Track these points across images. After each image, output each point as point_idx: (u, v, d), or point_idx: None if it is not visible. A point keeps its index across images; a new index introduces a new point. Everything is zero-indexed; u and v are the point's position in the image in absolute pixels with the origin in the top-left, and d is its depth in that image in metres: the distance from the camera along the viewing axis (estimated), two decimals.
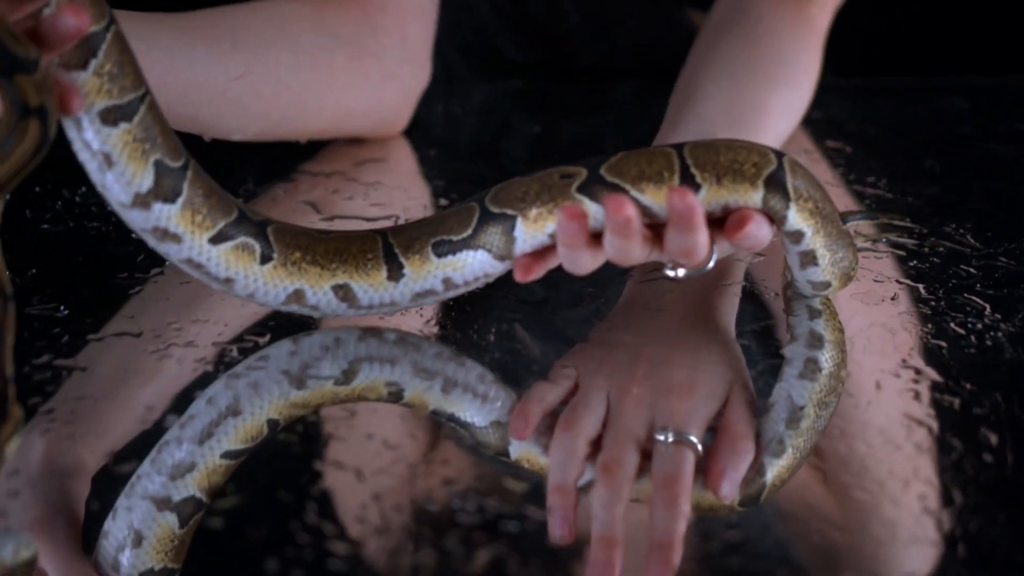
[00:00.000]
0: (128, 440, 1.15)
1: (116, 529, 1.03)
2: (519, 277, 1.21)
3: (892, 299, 1.33)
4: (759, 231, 1.18)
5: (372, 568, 0.95)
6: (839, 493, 1.05)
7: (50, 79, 1.00)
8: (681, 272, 1.22)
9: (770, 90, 1.54)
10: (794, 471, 1.06)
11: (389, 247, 1.22)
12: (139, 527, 1.03)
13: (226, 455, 1.12)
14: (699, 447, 1.08)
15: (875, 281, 1.37)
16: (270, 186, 1.66)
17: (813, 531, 1.02)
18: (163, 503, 1.06)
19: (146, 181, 1.15)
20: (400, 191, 1.69)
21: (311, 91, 1.64)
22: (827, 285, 1.27)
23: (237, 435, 1.15)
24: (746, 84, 1.54)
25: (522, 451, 1.13)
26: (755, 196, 1.19)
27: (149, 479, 1.09)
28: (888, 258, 1.44)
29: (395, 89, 1.75)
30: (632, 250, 1.17)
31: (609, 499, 1.03)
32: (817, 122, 1.81)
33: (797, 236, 1.22)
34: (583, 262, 1.19)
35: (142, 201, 1.16)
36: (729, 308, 1.32)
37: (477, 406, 1.19)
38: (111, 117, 1.13)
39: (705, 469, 1.05)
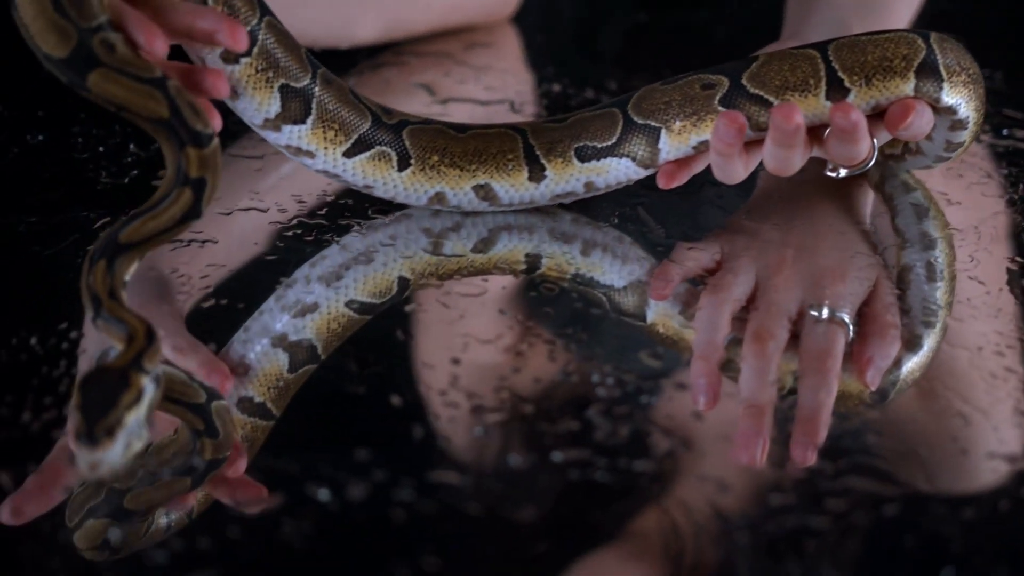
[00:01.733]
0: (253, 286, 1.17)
1: (227, 361, 1.04)
2: (663, 184, 1.21)
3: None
4: (921, 119, 1.16)
5: (505, 436, 0.96)
6: (937, 399, 1.04)
7: (215, 155, 1.02)
8: (843, 172, 1.22)
9: None
10: (924, 370, 1.05)
11: (530, 148, 1.22)
12: (250, 359, 1.05)
13: (351, 304, 1.13)
14: (851, 329, 1.07)
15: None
16: (381, 68, 1.66)
17: (907, 436, 1.01)
18: (278, 340, 1.08)
19: (273, 107, 1.15)
20: (510, 76, 1.68)
21: None
22: (963, 145, 1.25)
23: (366, 285, 1.15)
24: None
25: (659, 314, 1.13)
26: (907, 88, 1.16)
27: (271, 315, 1.11)
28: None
29: None
30: (794, 159, 1.16)
31: (758, 368, 1.02)
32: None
33: (951, 111, 1.19)
34: (735, 171, 1.18)
35: (272, 125, 1.17)
36: (864, 200, 1.31)
37: (616, 268, 1.20)
38: (231, 56, 1.13)
39: (853, 353, 1.05)
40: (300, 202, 1.29)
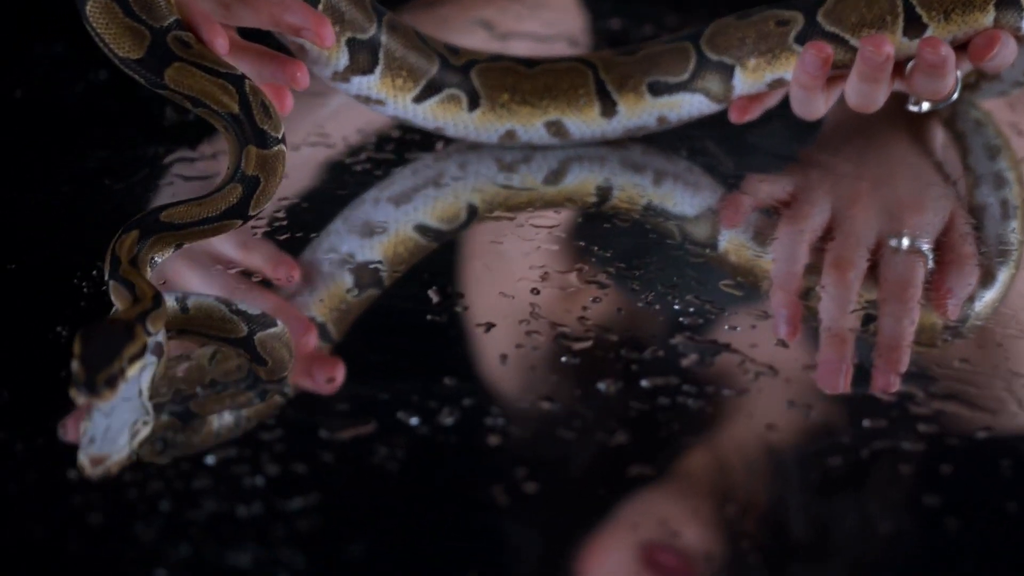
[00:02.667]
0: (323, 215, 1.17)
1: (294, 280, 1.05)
2: (735, 118, 1.21)
3: None
4: (1006, 50, 1.14)
5: (592, 363, 0.96)
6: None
7: (276, 159, 1.01)
8: (926, 106, 1.21)
9: None
10: (995, 307, 1.05)
11: (601, 83, 1.21)
12: (315, 280, 1.05)
13: (419, 228, 1.13)
14: (930, 259, 1.07)
15: None
16: (436, 5, 1.64)
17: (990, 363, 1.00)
18: (344, 260, 1.08)
19: (341, 60, 1.15)
20: (567, 11, 1.66)
21: None
22: None
23: (435, 210, 1.15)
24: None
25: (731, 241, 1.13)
26: (987, 20, 1.14)
27: (337, 235, 1.11)
28: None
29: None
30: (879, 94, 1.14)
31: (839, 297, 1.02)
32: None
33: None
34: (817, 105, 1.17)
35: (341, 77, 1.16)
36: (933, 134, 1.30)
37: (688, 197, 1.19)
38: None
39: (932, 283, 1.05)
40: (367, 135, 1.29)
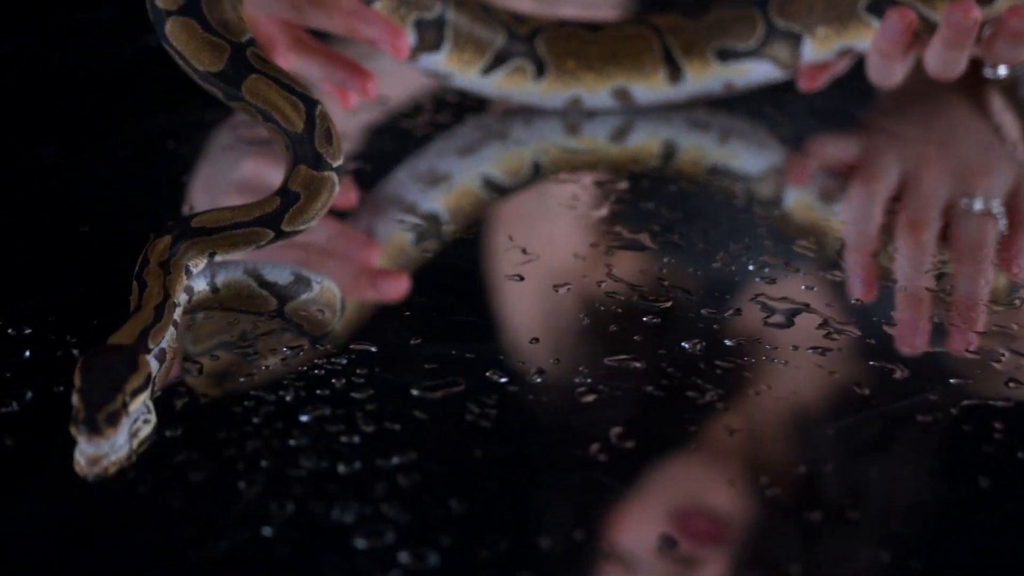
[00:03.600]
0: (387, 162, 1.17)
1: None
2: (805, 86, 1.21)
3: None
4: None
5: (674, 322, 0.96)
6: None
7: (323, 184, 0.97)
8: (1003, 71, 1.22)
9: None
10: None
11: (667, 49, 1.21)
12: (376, 229, 1.06)
13: (484, 180, 1.13)
14: (1000, 221, 1.08)
15: None
16: None
17: None
18: (408, 209, 1.09)
19: (409, 40, 1.15)
20: None
21: None
22: None
23: (500, 162, 1.16)
24: None
25: (797, 199, 1.14)
26: None
27: (400, 183, 1.11)
28: None
29: None
30: (962, 60, 1.14)
31: (915, 257, 1.03)
32: None
33: None
34: (894, 73, 1.17)
35: (410, 56, 1.16)
36: (991, 98, 1.30)
37: (753, 156, 1.20)
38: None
39: (1003, 243, 1.05)
40: (424, 97, 1.29)
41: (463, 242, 1.08)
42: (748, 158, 1.20)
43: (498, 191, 1.14)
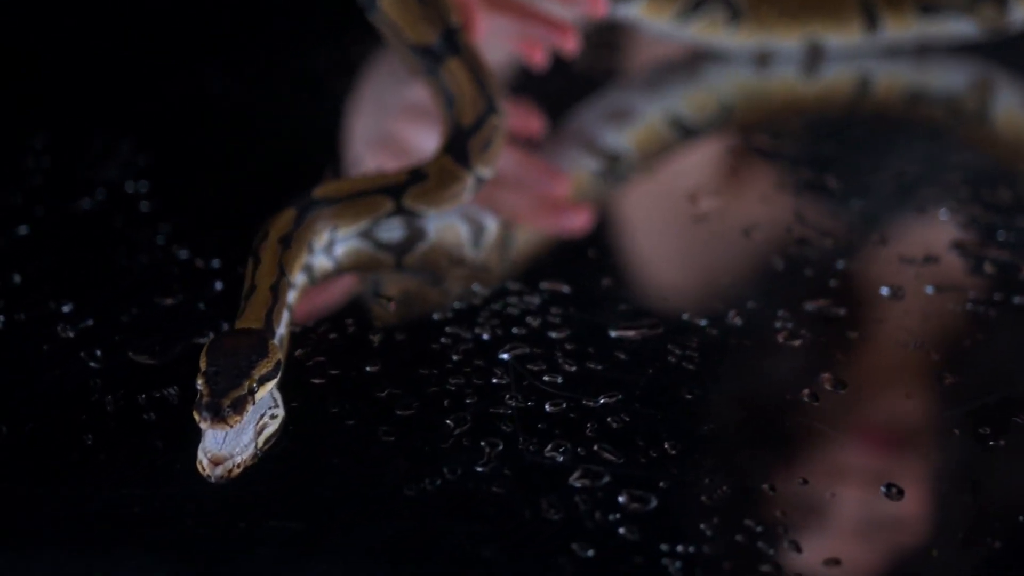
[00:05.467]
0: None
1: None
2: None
3: None
4: None
5: None
6: None
7: (454, 184, 0.93)
8: None
9: None
10: None
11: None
12: (560, 165, 1.05)
13: (671, 118, 1.10)
14: None
15: None
16: None
17: None
18: (590, 145, 1.07)
19: None
20: None
21: None
22: None
23: (688, 100, 1.13)
24: None
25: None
26: None
27: (583, 119, 1.10)
28: None
29: None
30: None
31: None
32: None
33: None
34: None
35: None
36: None
37: (950, 72, 1.18)
38: None
39: None
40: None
41: (647, 182, 1.06)
42: (944, 75, 1.17)
43: (685, 131, 1.11)
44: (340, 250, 0.93)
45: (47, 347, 0.83)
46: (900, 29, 1.18)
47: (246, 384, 0.73)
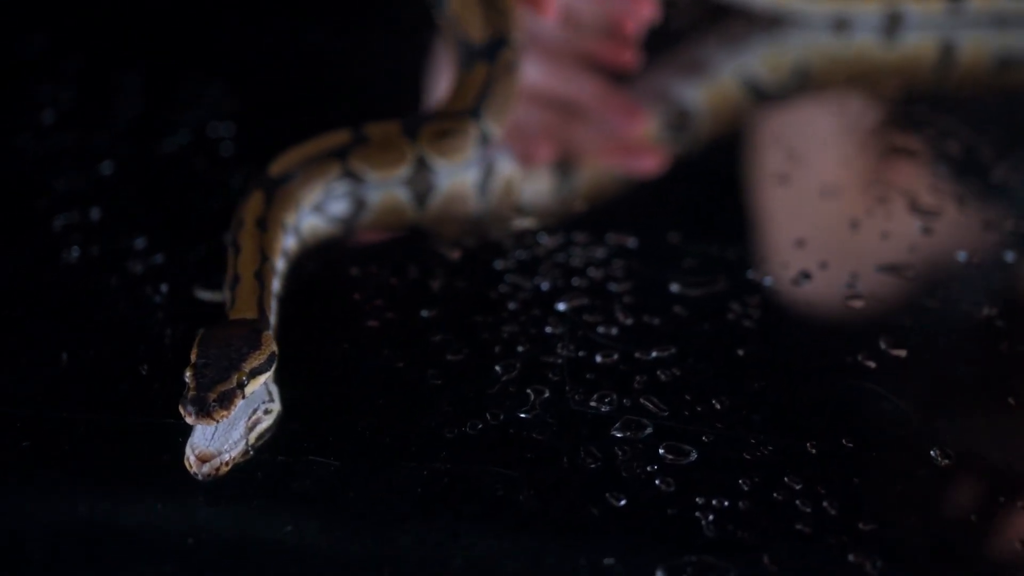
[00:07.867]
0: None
1: None
2: None
3: None
4: None
5: None
6: None
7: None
8: None
9: None
10: None
11: None
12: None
13: (744, 79, 1.09)
14: None
15: None
16: None
17: None
18: (662, 98, 1.06)
19: None
20: None
21: None
22: None
23: (765, 59, 1.11)
24: None
25: None
26: None
27: (657, 72, 1.08)
28: None
29: None
30: None
31: None
32: None
33: None
34: None
35: None
36: None
37: None
38: None
39: None
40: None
41: (721, 139, 1.04)
42: None
43: (759, 92, 1.09)
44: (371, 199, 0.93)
45: (115, 280, 0.85)
46: (985, 6, 1.15)
47: (235, 377, 0.69)
